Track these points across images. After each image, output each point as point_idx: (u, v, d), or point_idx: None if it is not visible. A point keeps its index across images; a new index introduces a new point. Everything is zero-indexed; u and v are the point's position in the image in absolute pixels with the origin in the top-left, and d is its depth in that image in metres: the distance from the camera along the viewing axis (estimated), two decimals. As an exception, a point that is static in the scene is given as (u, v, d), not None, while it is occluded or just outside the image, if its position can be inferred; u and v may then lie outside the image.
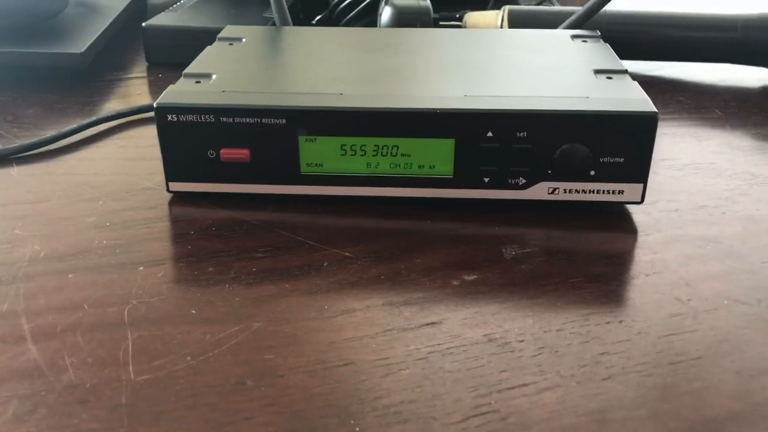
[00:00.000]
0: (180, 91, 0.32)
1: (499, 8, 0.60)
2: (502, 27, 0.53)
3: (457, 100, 0.31)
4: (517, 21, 0.53)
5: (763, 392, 0.22)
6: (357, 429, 0.20)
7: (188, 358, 0.23)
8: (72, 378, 0.22)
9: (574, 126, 0.30)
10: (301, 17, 0.62)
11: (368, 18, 0.57)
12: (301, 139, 0.31)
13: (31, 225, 0.31)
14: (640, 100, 0.31)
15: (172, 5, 0.59)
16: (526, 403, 0.21)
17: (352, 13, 0.57)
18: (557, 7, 0.54)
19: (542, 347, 0.23)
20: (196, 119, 0.31)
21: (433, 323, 0.25)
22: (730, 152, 0.39)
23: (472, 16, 0.55)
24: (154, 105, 0.31)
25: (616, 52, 0.40)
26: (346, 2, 0.57)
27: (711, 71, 0.52)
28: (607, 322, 0.25)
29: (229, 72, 0.35)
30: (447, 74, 0.34)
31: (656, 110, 0.30)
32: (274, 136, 0.31)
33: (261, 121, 0.31)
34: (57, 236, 0.30)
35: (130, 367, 0.22)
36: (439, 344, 0.24)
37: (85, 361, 0.23)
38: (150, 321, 0.25)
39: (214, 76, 0.34)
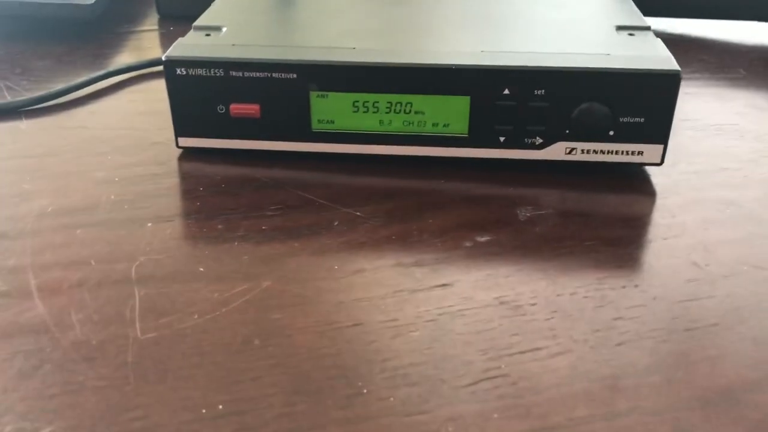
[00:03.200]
0: (189, 44, 0.31)
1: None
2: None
3: (473, 56, 0.30)
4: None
5: (780, 361, 0.21)
6: (365, 390, 0.20)
7: (195, 316, 0.23)
8: (78, 335, 0.22)
9: (593, 84, 0.29)
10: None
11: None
12: (313, 94, 0.31)
13: (39, 179, 0.30)
14: (662, 58, 0.30)
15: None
16: (537, 367, 0.21)
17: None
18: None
19: (555, 311, 0.23)
20: (206, 73, 0.30)
21: (444, 285, 0.24)
22: (755, 113, 0.38)
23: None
24: (163, 58, 0.30)
25: (639, 8, 0.38)
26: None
27: (736, 29, 0.50)
28: (623, 287, 0.24)
29: (240, 24, 0.34)
30: (463, 29, 0.33)
31: (679, 68, 0.29)
32: (284, 90, 0.31)
33: (271, 75, 0.30)
34: (65, 191, 0.29)
35: (137, 325, 0.22)
36: (450, 306, 0.23)
37: (91, 318, 0.22)
38: (157, 278, 0.24)
39: (224, 29, 0.33)
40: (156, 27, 0.49)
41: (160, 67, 0.42)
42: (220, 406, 0.19)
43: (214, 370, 0.21)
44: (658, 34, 0.49)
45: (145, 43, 0.47)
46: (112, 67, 0.41)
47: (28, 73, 0.41)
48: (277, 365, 0.21)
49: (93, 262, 0.25)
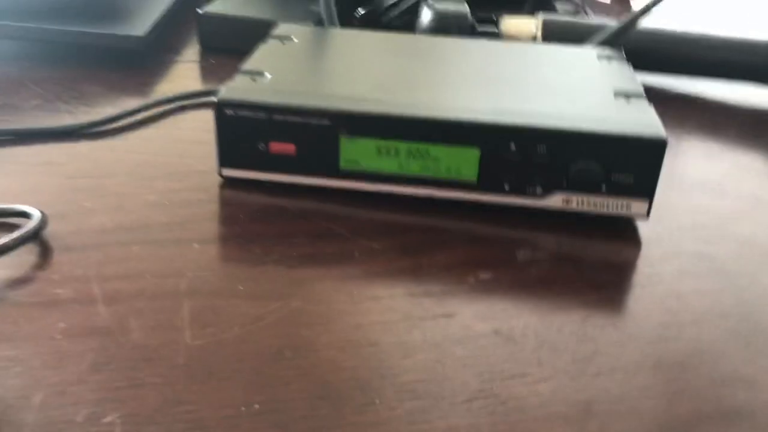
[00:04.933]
0: (237, 88, 0.36)
1: (534, 13, 0.63)
2: (536, 35, 0.56)
3: (485, 113, 0.34)
4: (551, 30, 0.56)
5: (732, 398, 0.25)
6: (377, 401, 0.24)
7: (235, 328, 0.27)
8: (137, 339, 0.26)
9: (589, 144, 0.33)
10: (346, 8, 0.65)
11: (410, 16, 0.60)
12: (342, 138, 0.35)
13: (98, 198, 0.34)
14: (652, 125, 0.34)
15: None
16: (523, 390, 0.25)
17: (395, 11, 0.60)
18: (589, 20, 0.56)
19: (542, 343, 0.27)
20: (251, 115, 0.35)
21: (448, 314, 0.28)
22: (739, 174, 0.42)
23: (508, 22, 0.58)
24: (215, 100, 0.35)
25: (644, 65, 0.42)
26: (392, 1, 0.60)
27: (734, 90, 0.55)
28: (603, 326, 0.28)
29: (281, 71, 0.38)
30: (478, 86, 0.37)
31: (665, 136, 0.33)
32: (318, 134, 0.35)
33: (307, 120, 0.34)
34: (122, 210, 0.33)
35: (186, 333, 0.26)
36: (452, 333, 0.27)
37: (148, 324, 0.26)
38: (203, 293, 0.28)
39: (267, 75, 0.37)
40: (197, 58, 0.54)
41: (203, 99, 0.46)
42: (257, 405, 0.23)
43: (251, 375, 0.25)
44: (661, 90, 0.53)
45: (188, 74, 0.51)
46: (158, 95, 0.45)
47: (85, 97, 0.45)
48: (304, 374, 0.25)
49: (148, 276, 0.29)
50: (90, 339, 0.26)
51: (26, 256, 0.30)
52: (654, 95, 0.53)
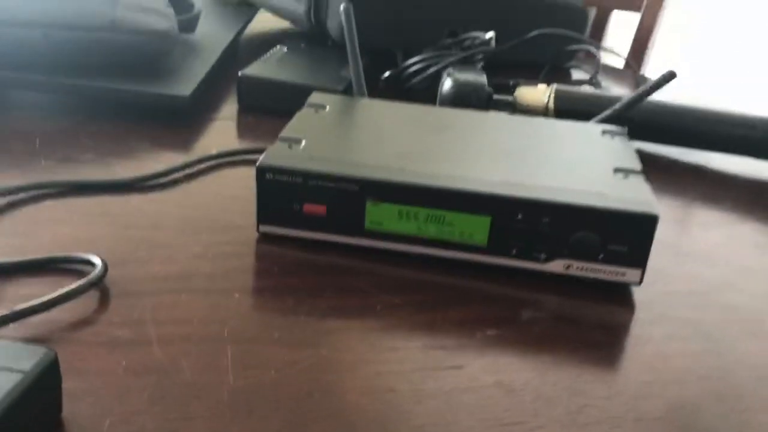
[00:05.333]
0: (276, 155, 0.40)
1: (549, 81, 0.68)
2: (548, 104, 0.61)
3: (496, 185, 0.38)
4: (561, 100, 0.61)
5: (704, 450, 0.29)
6: (393, 440, 0.28)
7: (272, 372, 0.31)
8: (188, 377, 0.30)
9: (588, 218, 0.37)
10: (373, 71, 0.70)
11: (432, 83, 0.65)
12: (368, 202, 0.39)
13: (151, 248, 0.39)
14: (645, 202, 0.38)
15: (261, 54, 0.67)
16: (520, 436, 0.28)
17: (418, 77, 0.65)
18: (599, 93, 0.61)
19: (539, 395, 0.31)
20: (288, 179, 0.39)
21: (457, 366, 0.32)
22: (730, 244, 0.45)
23: (522, 91, 0.62)
24: (256, 165, 0.39)
25: (649, 137, 0.46)
26: (415, 68, 0.64)
27: (732, 162, 0.58)
28: (593, 382, 0.32)
29: (315, 139, 0.42)
30: (490, 159, 0.42)
31: (657, 213, 0.37)
32: (347, 198, 0.39)
33: (338, 185, 0.39)
34: (171, 260, 0.38)
35: (230, 373, 0.30)
36: (460, 383, 0.31)
37: (196, 365, 0.31)
38: (244, 339, 0.32)
39: (303, 142, 0.42)
40: (236, 117, 0.59)
41: (242, 156, 0.51)
42: (290, 440, 0.27)
43: (286, 413, 0.28)
44: (664, 160, 0.57)
45: (227, 131, 0.56)
46: (200, 151, 0.50)
47: (133, 152, 0.50)
48: (331, 415, 0.29)
49: (195, 321, 0.33)
50: (147, 376, 0.30)
51: (90, 300, 0.34)
52: (658, 165, 0.57)
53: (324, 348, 0.32)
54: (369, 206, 0.39)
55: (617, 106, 0.52)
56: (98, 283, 0.35)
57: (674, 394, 0.31)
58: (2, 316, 0.30)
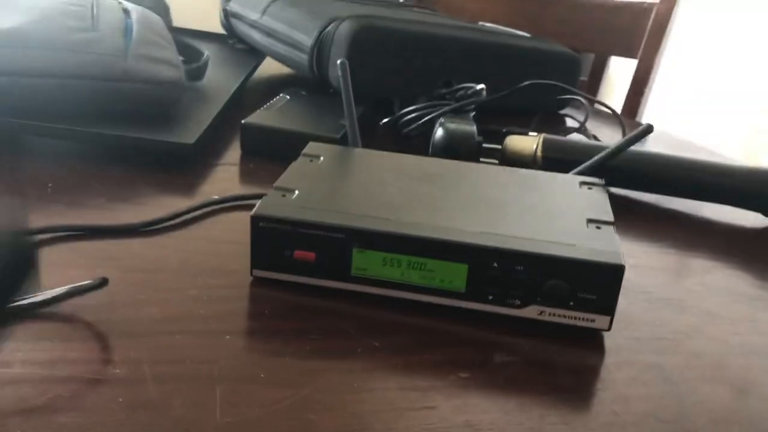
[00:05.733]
0: (270, 204, 0.43)
1: (540, 129, 0.71)
2: (537, 153, 0.63)
3: (474, 236, 0.41)
4: (550, 149, 0.63)
5: (656, 490, 0.31)
6: (364, 475, 0.30)
7: (257, 410, 0.33)
8: (179, 414, 0.32)
9: (559, 267, 0.40)
10: (371, 117, 0.73)
11: (426, 129, 0.68)
12: (354, 250, 0.42)
13: (150, 291, 0.42)
14: (614, 253, 0.40)
15: (265, 100, 0.71)
16: (483, 473, 0.31)
17: (413, 124, 0.68)
18: (586, 142, 0.63)
19: (504, 435, 0.33)
20: (279, 227, 0.42)
21: (430, 407, 0.34)
22: (702, 292, 0.47)
23: (512, 140, 0.65)
24: (251, 214, 0.42)
25: (630, 185, 0.49)
26: (410, 116, 0.68)
27: (711, 210, 0.61)
28: (556, 423, 0.34)
29: (308, 189, 0.45)
30: (472, 209, 0.44)
31: (623, 263, 0.39)
32: (334, 245, 0.42)
33: (326, 234, 0.42)
34: (169, 303, 0.41)
35: (218, 411, 0.33)
36: (431, 423, 0.33)
37: (187, 403, 0.33)
38: (232, 378, 0.35)
39: (296, 192, 0.45)
40: (238, 163, 0.62)
41: (242, 202, 0.54)
42: (269, 474, 0.30)
43: (266, 449, 0.31)
44: (647, 207, 0.60)
45: (228, 176, 0.59)
46: (203, 197, 0.53)
47: (139, 197, 0.53)
48: (308, 451, 0.31)
49: (188, 361, 0.36)
50: (142, 411, 0.32)
51: (90, 340, 0.37)
52: (638, 212, 0.60)
53: (306, 388, 0.35)
54: (355, 253, 0.42)
55: (596, 158, 0.55)
56: (100, 287, 0.38)
57: (632, 436, 0.34)
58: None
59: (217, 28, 1.03)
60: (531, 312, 0.41)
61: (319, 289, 0.43)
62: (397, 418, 0.33)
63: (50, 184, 0.54)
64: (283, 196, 0.44)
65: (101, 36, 0.65)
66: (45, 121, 0.59)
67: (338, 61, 0.55)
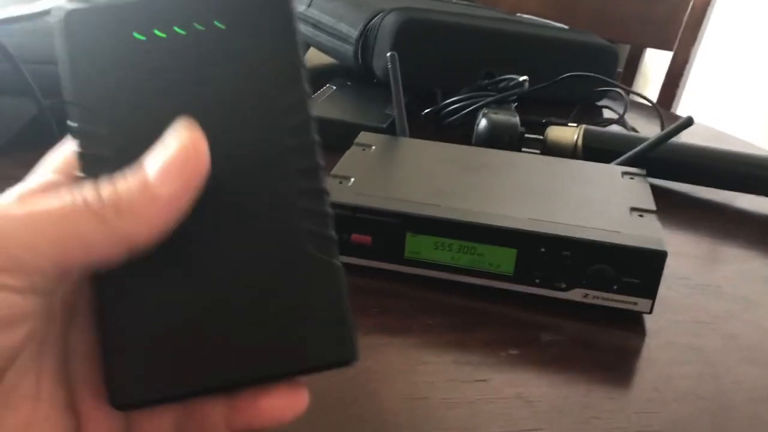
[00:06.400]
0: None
1: (579, 120, 0.72)
2: (577, 143, 0.65)
3: (523, 222, 0.43)
4: (589, 139, 0.65)
5: (696, 460, 0.33)
6: (425, 440, 0.33)
7: (323, 380, 0.36)
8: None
9: (604, 253, 0.42)
10: (414, 107, 0.75)
11: (468, 120, 0.70)
12: (408, 234, 0.44)
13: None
14: (657, 239, 0.42)
15: (312, 91, 0.73)
16: (535, 441, 0.33)
17: (455, 115, 0.71)
18: (625, 133, 0.65)
19: (553, 407, 0.35)
20: (339, 212, 0.45)
21: (483, 380, 0.37)
22: (737, 279, 0.49)
23: (553, 130, 0.67)
24: (312, 199, 0.45)
25: (669, 175, 0.50)
26: (454, 107, 0.70)
27: (747, 200, 0.62)
28: (601, 398, 0.36)
29: (362, 176, 0.48)
30: (519, 197, 0.47)
31: (665, 250, 0.41)
32: (389, 230, 0.44)
33: (381, 219, 0.44)
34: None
35: (288, 379, 0.35)
36: (485, 394, 0.36)
37: (260, 371, 0.36)
38: (299, 350, 0.38)
39: (352, 179, 0.47)
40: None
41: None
42: (339, 436, 0.32)
43: (335, 415, 0.34)
44: (684, 196, 0.62)
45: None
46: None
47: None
48: (373, 418, 0.34)
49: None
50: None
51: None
52: (676, 202, 0.62)
53: (369, 360, 0.38)
54: (408, 237, 0.44)
55: (637, 149, 0.57)
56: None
57: (673, 411, 0.36)
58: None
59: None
60: (576, 295, 0.43)
61: (375, 270, 0.46)
62: (453, 389, 0.36)
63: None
64: (340, 182, 0.47)
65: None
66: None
67: (388, 54, 0.57)
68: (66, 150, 0.26)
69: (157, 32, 0.26)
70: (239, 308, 0.25)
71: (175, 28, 0.26)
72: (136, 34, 0.26)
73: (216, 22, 0.26)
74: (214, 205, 0.25)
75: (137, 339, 0.24)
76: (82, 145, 0.25)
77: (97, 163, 0.25)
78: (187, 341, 0.25)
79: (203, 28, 0.26)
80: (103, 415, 0.25)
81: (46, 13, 0.31)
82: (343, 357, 0.26)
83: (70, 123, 0.25)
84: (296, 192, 0.26)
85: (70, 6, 0.26)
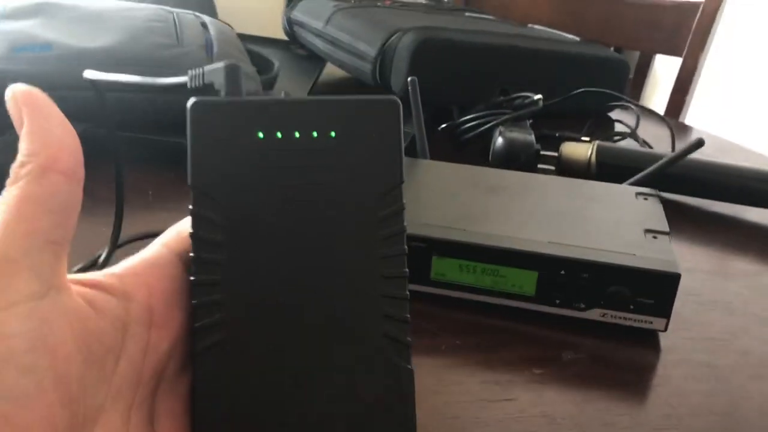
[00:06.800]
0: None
1: (591, 134, 0.75)
2: (591, 159, 0.68)
3: (543, 245, 0.46)
4: (604, 156, 0.68)
5: (711, 473, 0.35)
6: (458, 457, 0.35)
7: (361, 400, 0.38)
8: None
9: (620, 275, 0.44)
10: (431, 123, 0.77)
11: (485, 137, 0.73)
12: (434, 257, 0.47)
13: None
14: (670, 262, 0.45)
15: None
16: (560, 457, 0.36)
17: (471, 132, 0.73)
18: (637, 149, 0.68)
19: (576, 424, 0.38)
20: (368, 237, 0.47)
21: (509, 399, 0.39)
22: (748, 294, 0.52)
23: (567, 147, 0.70)
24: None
25: (683, 190, 0.52)
26: (470, 124, 0.72)
27: (756, 214, 0.65)
28: (620, 414, 0.39)
29: (389, 201, 0.50)
30: (538, 221, 0.49)
31: (679, 272, 0.44)
32: (415, 252, 0.47)
33: (408, 243, 0.47)
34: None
35: (328, 401, 0.38)
36: (511, 413, 0.38)
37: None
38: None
39: (379, 204, 0.50)
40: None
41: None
42: None
43: None
44: (699, 211, 0.64)
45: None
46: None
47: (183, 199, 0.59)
48: (409, 436, 0.36)
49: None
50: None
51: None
52: (690, 216, 0.64)
53: (401, 381, 0.40)
54: (434, 260, 0.47)
55: (648, 170, 0.59)
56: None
57: (688, 425, 0.38)
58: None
59: (275, 33, 1.08)
60: (594, 314, 0.46)
61: (403, 291, 0.48)
62: (482, 409, 0.39)
63: (150, 192, 0.60)
64: (369, 207, 0.49)
65: (186, 51, 0.70)
66: (136, 133, 0.64)
67: (409, 79, 0.60)
68: (180, 227, 0.29)
69: (277, 133, 0.28)
70: (320, 396, 0.28)
71: (295, 133, 0.28)
72: (258, 132, 0.28)
73: (331, 132, 0.28)
74: (307, 294, 0.28)
75: (225, 410, 0.27)
76: (195, 226, 0.27)
77: (207, 245, 0.27)
78: (270, 418, 0.27)
79: (316, 135, 0.28)
80: None
81: (177, 86, 0.33)
82: None
83: (190, 205, 0.28)
84: (381, 296, 0.29)
85: (199, 98, 0.28)
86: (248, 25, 1.12)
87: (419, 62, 0.76)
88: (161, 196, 0.60)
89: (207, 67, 0.32)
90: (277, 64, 0.83)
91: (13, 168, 0.24)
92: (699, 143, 0.56)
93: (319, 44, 0.91)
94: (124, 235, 0.49)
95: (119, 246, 0.51)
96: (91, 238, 0.50)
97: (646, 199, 0.54)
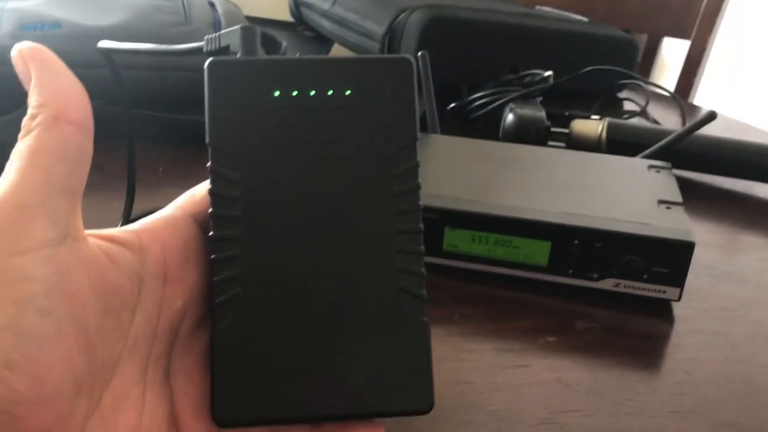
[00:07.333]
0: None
1: (601, 113, 0.74)
2: (601, 136, 0.67)
3: (556, 215, 0.46)
4: (614, 132, 0.67)
5: (726, 438, 0.35)
6: (471, 421, 0.35)
7: (375, 366, 0.38)
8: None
9: (634, 244, 0.44)
10: (440, 102, 0.77)
11: (493, 114, 0.72)
12: (446, 228, 0.47)
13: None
14: (684, 231, 0.45)
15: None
16: (575, 421, 0.36)
17: (482, 110, 0.73)
18: (648, 125, 0.67)
19: (591, 390, 0.38)
20: (380, 208, 0.47)
21: (523, 365, 0.39)
22: (761, 266, 0.52)
23: (578, 124, 0.69)
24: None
25: (694, 167, 0.52)
26: (479, 102, 0.72)
27: (765, 189, 0.64)
28: (634, 381, 0.39)
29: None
30: (550, 191, 0.49)
31: (693, 241, 0.44)
32: (428, 224, 0.47)
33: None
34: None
35: (342, 367, 0.38)
36: (526, 379, 0.38)
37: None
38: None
39: (391, 176, 0.50)
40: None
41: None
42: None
43: (388, 398, 0.36)
44: (710, 187, 0.64)
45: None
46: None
47: (194, 174, 0.59)
48: (423, 400, 0.36)
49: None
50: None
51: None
52: (701, 192, 0.64)
53: (414, 348, 0.40)
54: (446, 231, 0.47)
55: (662, 143, 0.59)
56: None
57: (703, 392, 0.38)
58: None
59: (282, 15, 1.08)
60: (607, 284, 0.46)
61: (415, 263, 0.48)
62: (496, 375, 0.39)
63: (161, 168, 0.60)
64: (380, 179, 0.49)
65: (194, 29, 0.70)
66: (147, 110, 0.64)
67: (419, 54, 0.60)
68: (194, 190, 0.29)
69: (293, 92, 0.28)
70: (336, 349, 0.28)
71: (311, 91, 0.29)
72: (274, 90, 0.28)
73: (346, 90, 0.29)
74: (323, 248, 0.28)
75: (244, 365, 0.27)
76: (213, 183, 0.27)
77: (225, 201, 0.27)
78: (288, 373, 0.27)
79: (332, 93, 0.29)
80: (201, 430, 0.27)
81: (194, 51, 0.34)
82: (422, 406, 0.29)
83: (208, 164, 0.28)
84: (397, 251, 0.29)
85: (216, 57, 0.28)
86: (255, 7, 1.11)
87: (428, 40, 0.76)
88: (172, 173, 0.60)
89: (223, 31, 0.32)
90: (284, 44, 0.83)
91: (24, 121, 0.24)
92: (711, 116, 0.56)
93: (326, 25, 0.90)
94: (135, 211, 0.49)
95: (131, 221, 0.51)
96: (103, 213, 0.50)
97: (658, 171, 0.54)
